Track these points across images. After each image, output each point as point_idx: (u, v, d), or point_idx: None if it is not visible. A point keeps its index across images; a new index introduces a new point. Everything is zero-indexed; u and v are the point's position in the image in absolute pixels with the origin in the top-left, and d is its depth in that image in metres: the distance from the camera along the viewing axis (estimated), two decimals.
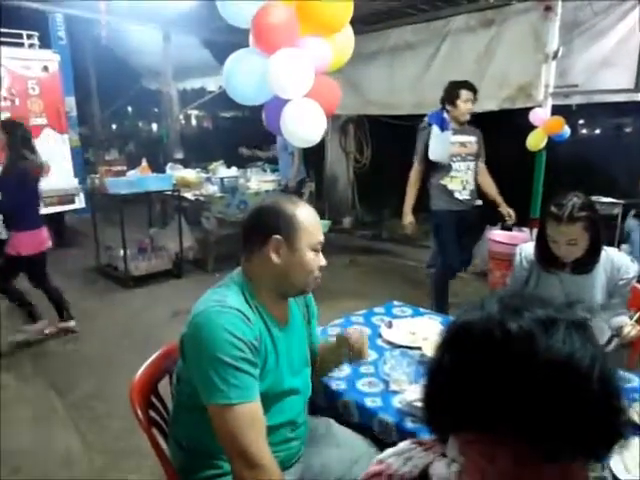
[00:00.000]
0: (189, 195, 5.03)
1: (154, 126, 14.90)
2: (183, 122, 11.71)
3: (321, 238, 1.33)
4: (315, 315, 1.58)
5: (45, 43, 6.20)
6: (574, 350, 0.60)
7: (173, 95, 7.26)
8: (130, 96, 10.39)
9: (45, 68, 5.83)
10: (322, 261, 1.34)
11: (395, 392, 1.54)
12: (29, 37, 5.76)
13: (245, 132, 9.24)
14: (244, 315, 1.21)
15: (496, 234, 4.71)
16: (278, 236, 1.27)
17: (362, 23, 5.50)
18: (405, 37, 5.63)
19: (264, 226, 1.29)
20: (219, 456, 1.28)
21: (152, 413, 1.41)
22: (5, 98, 5.52)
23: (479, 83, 4.92)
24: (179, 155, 6.93)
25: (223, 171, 5.52)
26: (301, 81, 2.24)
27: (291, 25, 2.22)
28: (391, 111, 6.01)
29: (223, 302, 1.22)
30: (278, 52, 2.22)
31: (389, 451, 0.81)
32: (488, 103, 4.83)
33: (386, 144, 7.13)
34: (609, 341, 1.60)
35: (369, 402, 1.50)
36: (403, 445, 0.81)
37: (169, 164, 5.74)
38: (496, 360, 0.61)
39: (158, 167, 5.63)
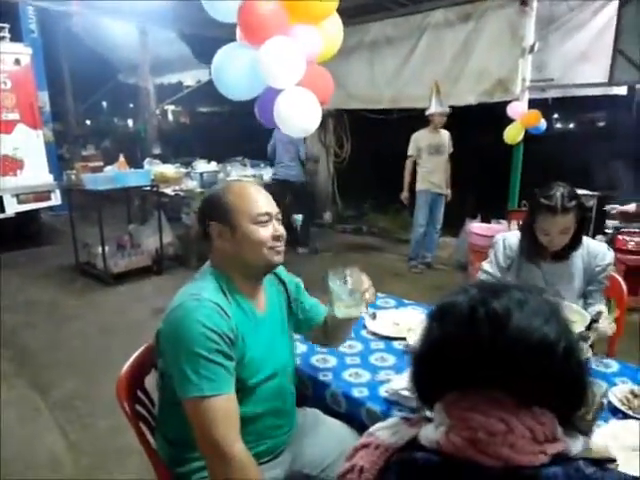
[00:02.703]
0: (168, 191, 4.97)
1: (130, 122, 14.66)
2: (160, 117, 11.56)
3: (264, 209, 1.30)
4: (299, 288, 1.57)
5: (16, 36, 6.02)
6: (543, 323, 0.72)
7: (150, 90, 7.14)
8: (106, 91, 10.21)
9: (17, 61, 5.66)
10: (278, 230, 1.32)
11: (381, 382, 1.56)
12: None
13: (225, 126, 9.18)
14: (219, 307, 1.21)
15: (475, 227, 4.78)
16: (214, 222, 1.30)
17: (343, 16, 5.47)
18: (385, 31, 5.65)
19: (202, 216, 1.34)
20: None
21: (139, 408, 1.40)
22: None
23: (458, 77, 5.01)
24: (157, 150, 6.83)
25: (202, 166, 5.47)
26: (293, 69, 2.21)
27: (279, 14, 2.20)
28: (371, 105, 6.04)
29: (198, 295, 1.22)
30: (268, 41, 2.19)
31: (378, 425, 0.89)
32: (467, 97, 4.90)
33: (366, 138, 7.17)
34: (589, 327, 1.64)
35: (356, 392, 1.51)
36: (392, 420, 0.88)
37: (147, 159, 5.65)
38: (479, 331, 0.72)
39: (136, 163, 5.54)
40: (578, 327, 1.59)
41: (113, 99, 14.09)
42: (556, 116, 10.38)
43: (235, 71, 2.22)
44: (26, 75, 5.76)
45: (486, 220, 5.02)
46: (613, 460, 0.81)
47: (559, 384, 0.73)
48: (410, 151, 4.94)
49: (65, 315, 4.10)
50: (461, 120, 4.95)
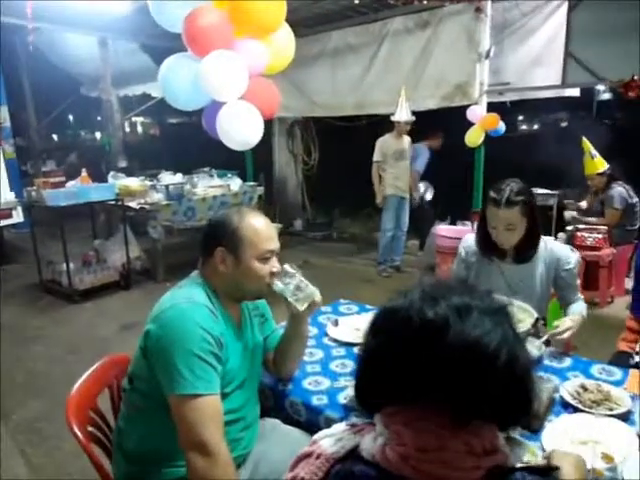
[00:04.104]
0: (133, 204, 4.89)
1: (97, 135, 14.42)
2: (128, 129, 11.40)
3: (271, 247, 1.37)
4: (267, 309, 1.61)
5: None
6: (483, 333, 0.68)
7: (113, 102, 7.06)
8: (69, 104, 10.01)
9: None
10: (274, 267, 1.38)
11: (341, 388, 1.57)
12: None
13: (192, 137, 9.11)
14: (211, 312, 1.27)
15: (442, 229, 4.86)
16: (222, 248, 1.33)
17: (303, 26, 5.55)
18: (346, 39, 5.72)
19: (211, 238, 1.37)
20: (173, 459, 1.28)
21: (91, 429, 1.37)
22: None
23: (418, 83, 5.11)
24: (123, 164, 6.73)
25: (168, 178, 5.40)
26: (234, 83, 2.23)
27: (223, 27, 2.21)
28: (335, 112, 6.09)
29: (191, 299, 1.27)
30: (210, 54, 2.20)
31: (323, 432, 0.86)
32: (427, 102, 4.99)
33: (333, 145, 7.22)
34: (535, 324, 1.68)
35: (315, 400, 1.52)
36: (337, 427, 0.86)
37: (111, 173, 5.56)
38: (414, 343, 0.69)
39: (101, 177, 5.45)
40: (525, 325, 1.62)
41: (78, 112, 13.84)
42: (521, 118, 10.66)
43: (180, 82, 2.23)
44: None
45: (454, 222, 5.11)
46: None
47: (501, 395, 0.69)
48: (376, 157, 5.00)
49: (28, 336, 3.98)
50: (424, 125, 5.04)
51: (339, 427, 0.86)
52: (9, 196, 5.70)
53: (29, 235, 5.67)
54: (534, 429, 1.29)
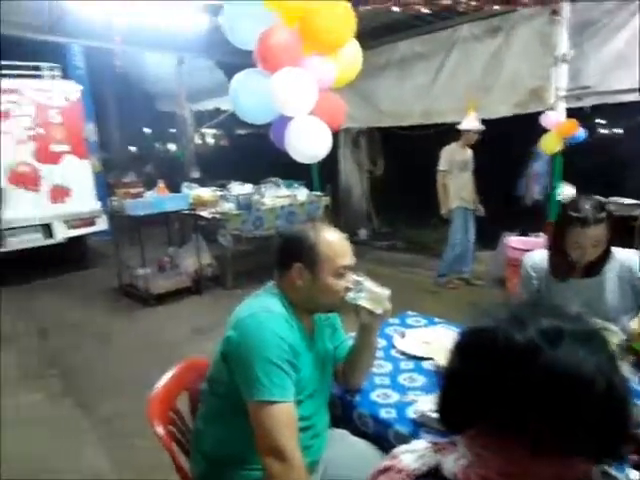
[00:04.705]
0: (205, 213, 5.10)
1: (172, 147, 15.22)
2: (200, 142, 11.93)
3: (346, 263, 1.39)
4: (337, 322, 1.63)
5: (64, 72, 6.42)
6: (576, 361, 0.64)
7: (187, 116, 7.44)
8: (146, 119, 10.66)
9: (67, 98, 6.03)
10: (349, 281, 1.40)
11: (410, 403, 1.54)
12: (52, 69, 5.98)
13: (260, 148, 9.38)
14: (287, 322, 1.32)
15: (513, 240, 4.67)
16: (299, 264, 1.36)
17: (370, 37, 5.58)
18: (413, 48, 5.69)
19: (288, 253, 1.41)
20: (248, 463, 1.32)
21: (171, 428, 1.44)
22: (31, 127, 5.73)
23: (489, 89, 4.96)
24: (196, 174, 7.06)
25: (238, 188, 5.60)
26: (303, 99, 2.28)
27: (293, 45, 2.27)
28: (401, 121, 6.05)
29: (269, 308, 1.32)
30: (280, 71, 2.27)
31: (403, 447, 0.85)
32: (500, 109, 4.84)
33: (398, 154, 7.17)
34: (620, 346, 1.57)
35: (384, 413, 1.51)
36: (418, 443, 0.85)
37: (185, 184, 5.84)
38: (501, 367, 0.67)
39: (176, 187, 5.74)
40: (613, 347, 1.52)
41: (155, 126, 14.70)
42: (601, 121, 10.03)
43: (250, 96, 2.31)
44: (74, 110, 6.11)
45: (525, 234, 4.90)
46: None
47: (596, 425, 0.64)
48: (442, 166, 4.87)
49: (109, 335, 4.26)
50: (493, 133, 4.88)
51: (420, 444, 0.85)
52: (95, 206, 6.17)
53: (109, 242, 6.11)
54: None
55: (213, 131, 14.99)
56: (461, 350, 0.75)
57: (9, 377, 3.56)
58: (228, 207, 5.11)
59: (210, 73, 7.72)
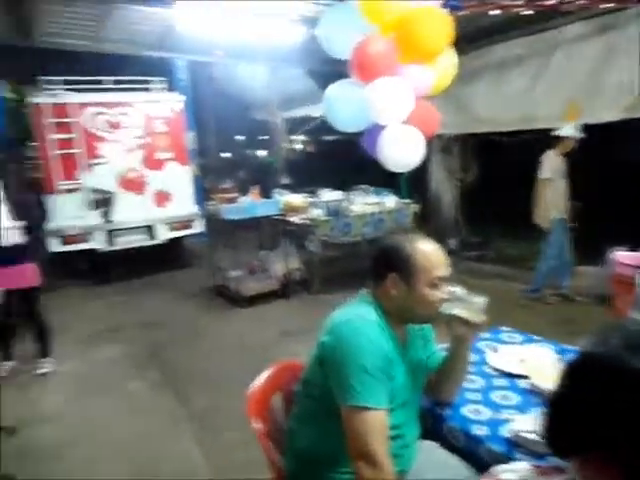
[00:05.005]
0: (295, 219, 5.25)
1: (261, 153, 15.84)
2: (292, 147, 12.31)
3: (441, 273, 1.38)
4: (430, 333, 1.61)
5: (169, 85, 6.94)
6: None
7: (278, 124, 7.70)
8: (240, 127, 11.20)
9: (171, 108, 6.53)
10: (445, 292, 1.39)
11: (504, 421, 1.48)
12: (160, 82, 6.51)
13: (348, 154, 9.47)
14: (382, 330, 1.34)
15: (623, 255, 4.29)
16: (395, 274, 1.37)
17: (465, 42, 5.44)
18: (512, 51, 5.46)
19: (383, 263, 1.42)
20: (340, 465, 1.35)
21: (267, 426, 1.51)
22: (139, 137, 6.27)
23: (593, 93, 4.63)
24: (286, 180, 7.28)
25: (327, 195, 5.70)
26: (399, 108, 2.29)
27: (389, 54, 2.29)
28: (498, 127, 5.82)
29: (364, 315, 1.35)
30: (376, 81, 2.29)
31: (503, 467, 0.84)
32: (606, 114, 4.50)
33: (492, 162, 6.89)
34: None
35: (475, 429, 1.46)
36: (519, 465, 0.83)
37: (276, 190, 6.06)
38: (615, 395, 0.65)
39: (267, 193, 5.97)
40: None
41: (247, 133, 15.40)
42: None
43: (344, 106, 2.35)
44: (178, 120, 6.61)
45: (635, 248, 4.48)
46: None
47: None
48: (545, 174, 4.51)
49: (203, 332, 4.52)
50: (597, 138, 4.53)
51: (521, 465, 0.83)
52: (193, 209, 6.59)
53: (204, 244, 6.50)
54: None
55: (301, 137, 15.39)
56: (573, 374, 0.73)
57: (116, 366, 3.91)
58: (317, 213, 5.22)
59: (301, 82, 7.95)
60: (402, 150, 2.38)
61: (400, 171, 2.53)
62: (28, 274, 3.53)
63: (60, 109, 5.87)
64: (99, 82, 6.21)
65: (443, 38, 2.26)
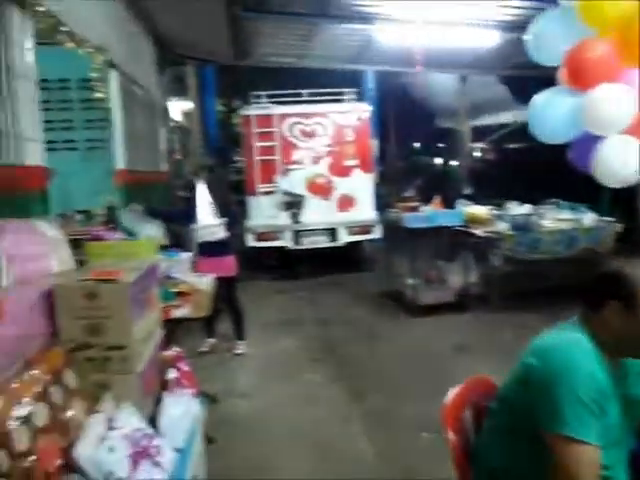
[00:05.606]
0: (479, 231, 5.07)
1: (438, 161, 15.59)
2: (476, 156, 11.89)
3: None
4: None
5: (359, 95, 7.29)
6: None
7: (465, 132, 7.51)
8: (419, 135, 11.22)
9: (359, 117, 6.86)
10: None
11: None
12: (351, 93, 6.90)
13: (532, 164, 8.75)
14: (598, 361, 1.26)
15: None
16: (617, 302, 1.28)
17: None
18: None
19: (603, 290, 1.33)
20: None
21: (459, 437, 1.51)
22: (329, 145, 6.74)
23: None
24: (467, 191, 7.07)
25: (515, 208, 5.39)
26: (621, 117, 2.09)
27: (610, 59, 2.11)
28: None
29: (579, 344, 1.28)
30: (597, 88, 2.13)
31: None
32: None
33: None
34: None
35: None
36: None
37: (459, 200, 5.92)
38: None
39: (448, 202, 5.86)
40: None
41: (425, 141, 15.33)
42: None
43: (554, 115, 2.22)
44: (365, 128, 6.92)
45: None
46: None
47: None
48: None
49: (377, 335, 4.65)
50: None
51: None
52: (372, 215, 6.84)
53: (380, 249, 6.69)
54: None
55: (485, 146, 14.74)
56: None
57: (294, 356, 4.26)
58: (502, 227, 4.97)
59: (492, 89, 7.65)
60: (622, 163, 2.15)
61: (616, 186, 2.30)
62: (229, 265, 4.21)
63: (265, 120, 6.63)
64: (298, 95, 6.83)
65: None
